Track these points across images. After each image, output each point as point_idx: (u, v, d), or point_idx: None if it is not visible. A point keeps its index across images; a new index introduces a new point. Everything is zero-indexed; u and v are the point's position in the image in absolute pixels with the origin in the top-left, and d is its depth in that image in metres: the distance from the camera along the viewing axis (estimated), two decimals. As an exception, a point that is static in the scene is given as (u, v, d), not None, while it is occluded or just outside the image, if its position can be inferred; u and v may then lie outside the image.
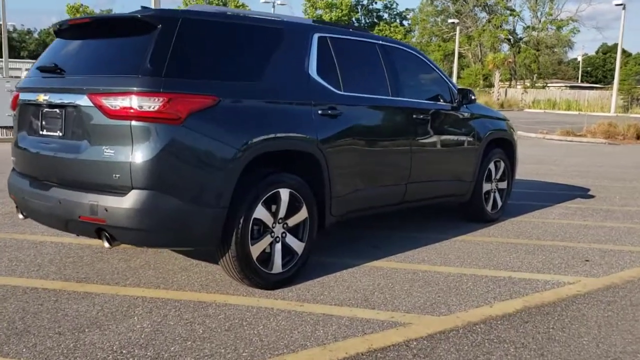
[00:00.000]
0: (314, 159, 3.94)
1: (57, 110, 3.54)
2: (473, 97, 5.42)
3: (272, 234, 3.72)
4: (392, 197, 4.79)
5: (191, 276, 3.94)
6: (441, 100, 5.27)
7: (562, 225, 5.91)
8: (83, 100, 3.33)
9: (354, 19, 62.60)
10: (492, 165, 5.88)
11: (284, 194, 3.73)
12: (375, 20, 65.87)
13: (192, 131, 3.27)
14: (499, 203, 6.06)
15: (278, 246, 3.76)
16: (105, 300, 3.48)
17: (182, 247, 3.37)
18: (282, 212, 3.75)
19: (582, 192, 8.07)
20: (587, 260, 4.64)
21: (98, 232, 3.33)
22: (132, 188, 3.19)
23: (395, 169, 4.74)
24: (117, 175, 3.21)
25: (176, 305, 3.41)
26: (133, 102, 3.15)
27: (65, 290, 3.61)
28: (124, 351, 2.84)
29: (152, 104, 3.16)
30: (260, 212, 3.60)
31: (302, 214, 3.88)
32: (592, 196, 7.79)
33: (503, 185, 6.11)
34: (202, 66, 3.49)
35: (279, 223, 3.75)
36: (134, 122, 3.17)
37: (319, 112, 3.98)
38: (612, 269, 4.45)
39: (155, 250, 4.40)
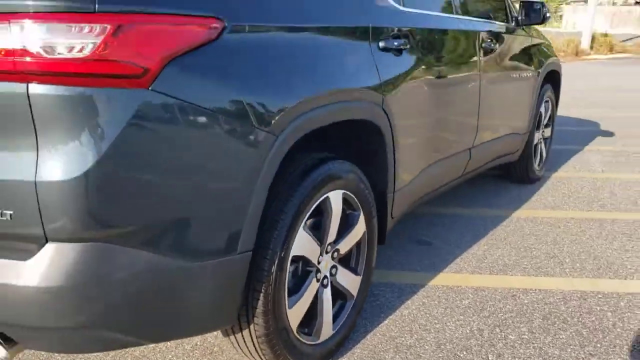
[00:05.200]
0: (375, 130, 2.22)
1: None
2: (545, 13, 3.72)
3: (318, 275, 2.04)
4: (455, 170, 3.17)
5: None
6: (498, 20, 3.61)
7: (626, 182, 4.57)
8: None
9: None
10: (542, 108, 4.38)
11: (335, 199, 2.02)
12: None
13: (173, 100, 1.41)
14: (544, 156, 4.63)
15: (327, 293, 2.09)
16: None
17: (159, 341, 1.66)
18: (331, 233, 2.05)
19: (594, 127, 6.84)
20: None
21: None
22: (47, 240, 1.37)
23: (463, 125, 3.10)
24: (9, 213, 1.36)
25: None
26: (29, 36, 1.27)
27: None
28: None
29: (77, 41, 1.29)
30: (302, 243, 1.88)
31: (359, 228, 2.20)
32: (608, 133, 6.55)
33: (547, 132, 4.66)
34: None
35: (326, 253, 2.06)
36: (35, 87, 1.29)
37: (380, 45, 2.21)
38: None
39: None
